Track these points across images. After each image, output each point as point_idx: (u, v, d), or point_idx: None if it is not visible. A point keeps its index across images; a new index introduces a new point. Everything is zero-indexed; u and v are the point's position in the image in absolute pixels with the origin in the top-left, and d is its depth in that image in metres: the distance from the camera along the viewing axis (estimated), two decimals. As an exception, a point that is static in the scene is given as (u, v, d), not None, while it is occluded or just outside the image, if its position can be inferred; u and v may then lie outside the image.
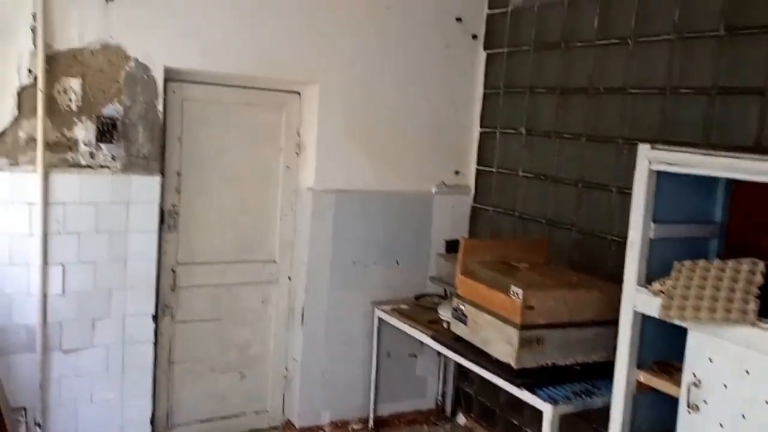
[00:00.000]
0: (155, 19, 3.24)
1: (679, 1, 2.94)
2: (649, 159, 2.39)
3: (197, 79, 3.51)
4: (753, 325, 2.02)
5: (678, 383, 2.28)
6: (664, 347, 2.43)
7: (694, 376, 2.20)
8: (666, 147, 2.38)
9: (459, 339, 3.18)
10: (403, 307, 3.87)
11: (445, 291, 3.93)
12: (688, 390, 2.22)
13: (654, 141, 2.96)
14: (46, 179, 3.08)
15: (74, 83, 3.10)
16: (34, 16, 2.98)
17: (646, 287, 2.39)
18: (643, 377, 2.44)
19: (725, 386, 2.11)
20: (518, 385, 2.83)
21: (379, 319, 3.90)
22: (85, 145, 3.17)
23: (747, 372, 2.05)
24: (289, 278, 3.91)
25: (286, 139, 3.83)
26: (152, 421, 3.51)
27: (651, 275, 2.42)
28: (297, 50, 3.59)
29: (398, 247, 4.02)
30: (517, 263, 3.24)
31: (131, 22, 3.19)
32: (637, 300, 2.41)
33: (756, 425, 2.03)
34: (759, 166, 2.06)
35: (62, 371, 3.23)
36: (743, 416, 2.06)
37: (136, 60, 3.22)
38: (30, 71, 3.01)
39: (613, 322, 2.60)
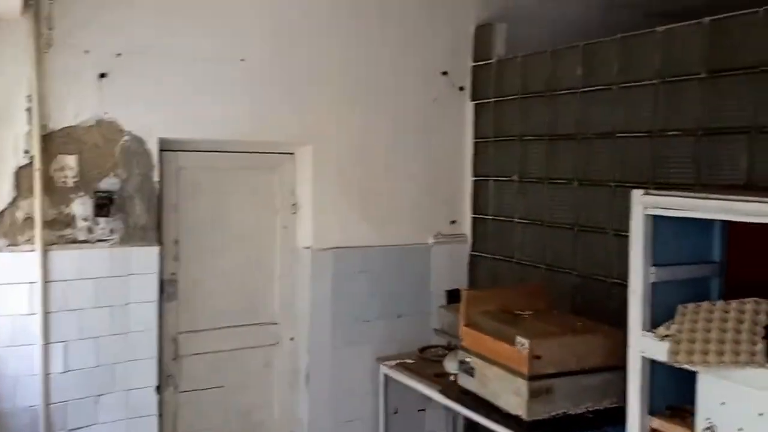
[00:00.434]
0: (148, 92, 3.29)
1: (659, 47, 3.03)
2: (643, 204, 2.41)
3: (191, 147, 3.55)
4: (762, 366, 2.02)
5: (692, 428, 2.25)
6: (675, 391, 2.41)
7: (708, 420, 2.19)
8: (659, 192, 2.41)
9: (467, 392, 3.15)
10: (408, 361, 3.84)
11: (449, 342, 3.91)
12: (703, 435, 2.20)
13: (645, 183, 3.03)
14: (46, 257, 3.08)
15: (70, 160, 3.14)
16: (29, 98, 3.03)
17: (652, 332, 2.39)
18: (657, 424, 2.41)
19: (740, 430, 2.10)
20: (531, 438, 2.80)
21: (385, 375, 3.86)
22: (83, 220, 3.18)
23: (761, 414, 2.04)
24: (291, 339, 3.88)
25: (281, 199, 3.85)
26: (160, 497, 3.44)
27: (655, 319, 2.42)
28: (289, 113, 3.65)
29: (399, 300, 4.02)
30: (520, 311, 3.23)
31: (125, 96, 3.24)
32: (644, 345, 2.40)
33: (775, 468, 2.01)
34: (752, 207, 2.09)
35: (68, 452, 3.18)
36: (761, 460, 2.04)
37: (131, 133, 3.27)
38: (26, 151, 3.04)
39: (621, 367, 2.58)
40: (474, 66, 4.13)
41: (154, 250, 3.35)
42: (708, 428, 2.18)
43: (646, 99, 3.09)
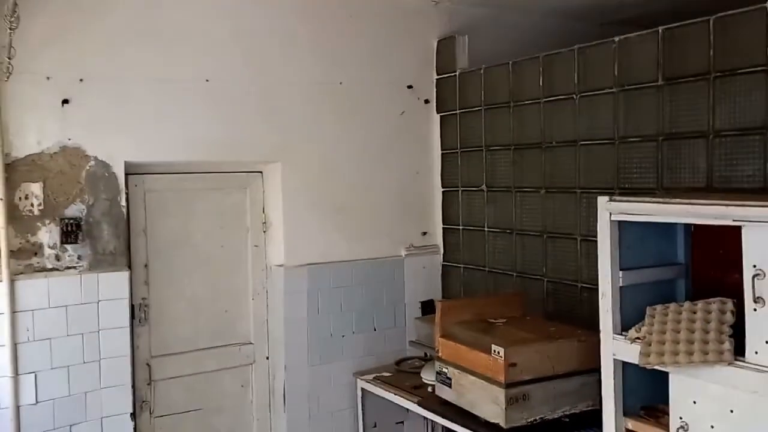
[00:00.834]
0: (112, 116, 3.26)
1: (616, 56, 3.11)
2: (608, 210, 2.47)
3: (158, 170, 3.52)
4: (730, 364, 2.08)
5: (666, 427, 2.31)
6: (649, 392, 2.47)
7: (681, 419, 2.24)
8: (623, 198, 2.48)
9: (445, 403, 3.17)
10: (386, 374, 3.85)
11: (426, 354, 3.93)
12: (677, 434, 2.25)
13: (609, 188, 3.11)
14: (12, 288, 3.02)
15: (35, 188, 3.09)
16: (-11, 127, 2.98)
17: (623, 335, 2.44)
18: (632, 425, 2.47)
19: (712, 427, 2.16)
20: (510, 445, 2.83)
21: (362, 389, 3.86)
22: (50, 248, 3.13)
23: (731, 411, 2.10)
24: (267, 358, 3.86)
25: (251, 218, 3.84)
26: None
27: (625, 322, 2.48)
28: (255, 132, 3.65)
29: (374, 314, 4.03)
30: (495, 319, 3.27)
31: (88, 121, 3.20)
32: (615, 349, 2.46)
33: (747, 463, 2.06)
34: (712, 210, 2.17)
35: (41, 485, 3.10)
36: (733, 455, 2.10)
37: (96, 158, 3.23)
38: (-11, 181, 2.99)
39: (596, 370, 2.63)
40: (438, 79, 4.19)
41: (123, 275, 3.30)
42: (681, 427, 2.24)
43: (606, 107, 3.17)
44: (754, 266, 2.02)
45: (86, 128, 3.20)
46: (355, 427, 3.92)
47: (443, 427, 3.97)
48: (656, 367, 2.26)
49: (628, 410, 2.49)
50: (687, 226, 2.63)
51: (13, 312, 3.02)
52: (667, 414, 2.30)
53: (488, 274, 3.92)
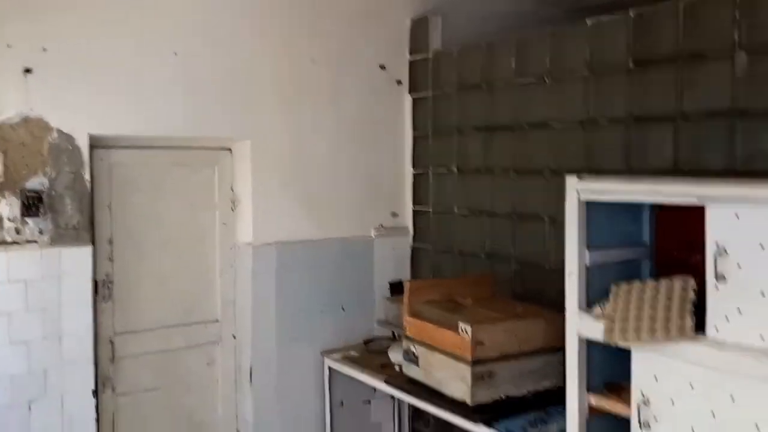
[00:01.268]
0: (77, 87, 3.18)
1: (588, 40, 3.13)
2: (577, 190, 2.49)
3: (124, 144, 3.45)
4: (692, 340, 2.12)
5: (628, 403, 2.35)
6: (612, 369, 2.50)
7: (643, 395, 2.28)
8: (592, 178, 2.50)
9: (412, 381, 3.19)
10: (353, 353, 3.85)
11: (394, 333, 3.94)
12: (638, 409, 2.29)
13: (579, 170, 3.10)
14: (-30, 261, 2.94)
15: (-5, 159, 3.00)
16: (-53, 95, 2.88)
17: (588, 313, 2.47)
18: (594, 400, 2.50)
19: (672, 402, 2.20)
20: (475, 422, 2.85)
21: (330, 368, 3.86)
22: (10, 221, 3.05)
23: (691, 386, 2.14)
24: (234, 336, 3.83)
25: (220, 195, 3.79)
26: (100, 504, 3.33)
27: (591, 300, 2.51)
28: (225, 109, 3.59)
29: (343, 294, 4.02)
30: (463, 299, 3.29)
31: (52, 92, 3.12)
32: (580, 326, 2.49)
33: (705, 436, 2.11)
34: (677, 189, 2.20)
35: (-2, 462, 3.04)
36: (692, 429, 2.14)
37: (59, 130, 3.14)
38: (-54, 150, 2.89)
39: (561, 349, 2.66)
40: (411, 60, 4.17)
41: (87, 251, 3.23)
42: (643, 402, 2.28)
43: (577, 90, 3.19)
44: (717, 244, 2.06)
45: (49, 99, 3.11)
46: (321, 406, 3.92)
47: (410, 405, 4.01)
48: (620, 344, 2.29)
49: (591, 387, 2.52)
50: (652, 207, 2.67)
51: (-29, 285, 2.95)
52: (630, 390, 2.33)
53: (457, 256, 3.93)
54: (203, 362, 3.75)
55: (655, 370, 2.24)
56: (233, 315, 3.83)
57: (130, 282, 3.51)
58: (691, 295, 2.23)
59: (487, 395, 2.86)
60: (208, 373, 3.77)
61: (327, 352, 3.89)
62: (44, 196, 3.11)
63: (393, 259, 4.19)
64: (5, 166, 3.03)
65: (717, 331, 2.07)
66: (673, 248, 2.61)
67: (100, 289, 3.40)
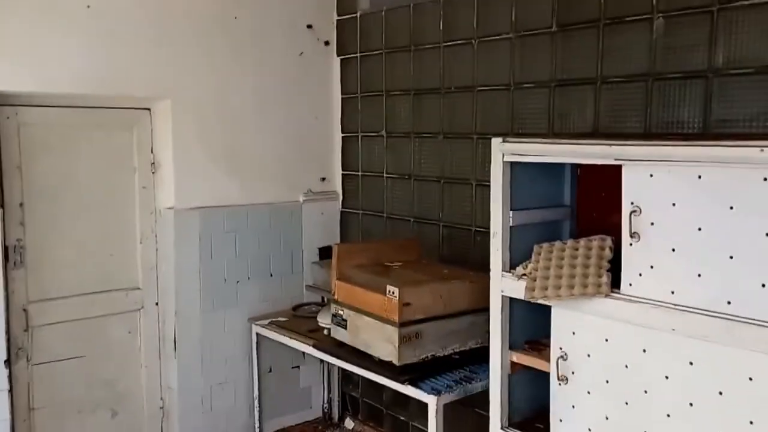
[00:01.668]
0: (-22, 38, 2.96)
1: (513, 2, 3.14)
2: (502, 151, 2.51)
3: (34, 102, 3.25)
4: (607, 296, 2.19)
5: (548, 359, 2.42)
6: (533, 327, 2.57)
7: (561, 350, 2.35)
8: (516, 139, 2.52)
9: (341, 344, 3.19)
10: (282, 319, 3.82)
11: (323, 298, 3.92)
12: (557, 364, 2.36)
13: (505, 134, 3.15)
14: None
15: None
16: None
17: (510, 272, 2.52)
18: (516, 357, 2.57)
19: (588, 356, 2.28)
20: (402, 382, 2.89)
21: (257, 334, 3.82)
22: None
23: (606, 340, 2.22)
24: (156, 304, 3.72)
25: (139, 158, 3.64)
26: (16, 478, 3.21)
27: (514, 260, 2.55)
28: (143, 66, 3.43)
29: (271, 259, 3.96)
30: (391, 263, 3.30)
31: (-51, 43, 2.90)
32: (503, 285, 2.53)
33: (618, 388, 2.20)
34: (596, 150, 2.24)
35: None
36: (607, 381, 2.23)
37: (-40, 84, 2.94)
38: None
39: (486, 310, 2.71)
40: (339, 20, 4.09)
41: (-6, 215, 3.06)
42: (561, 357, 2.35)
43: (503, 53, 3.21)
44: (632, 203, 2.12)
45: (-53, 51, 2.90)
46: (249, 372, 3.88)
47: (339, 369, 4.03)
48: (540, 301, 2.34)
49: (513, 344, 2.58)
50: (574, 169, 2.73)
51: None
52: (549, 346, 2.40)
53: (386, 220, 3.93)
54: (125, 330, 3.64)
55: (573, 325, 2.31)
56: (156, 282, 3.71)
57: (44, 248, 3.34)
58: (608, 253, 2.30)
59: (413, 356, 2.89)
60: (129, 342, 3.66)
61: (254, 319, 3.84)
62: (-56, 157, 2.91)
63: (322, 224, 4.15)
64: None
65: (631, 286, 2.14)
66: (594, 209, 2.69)
67: (11, 254, 3.23)
